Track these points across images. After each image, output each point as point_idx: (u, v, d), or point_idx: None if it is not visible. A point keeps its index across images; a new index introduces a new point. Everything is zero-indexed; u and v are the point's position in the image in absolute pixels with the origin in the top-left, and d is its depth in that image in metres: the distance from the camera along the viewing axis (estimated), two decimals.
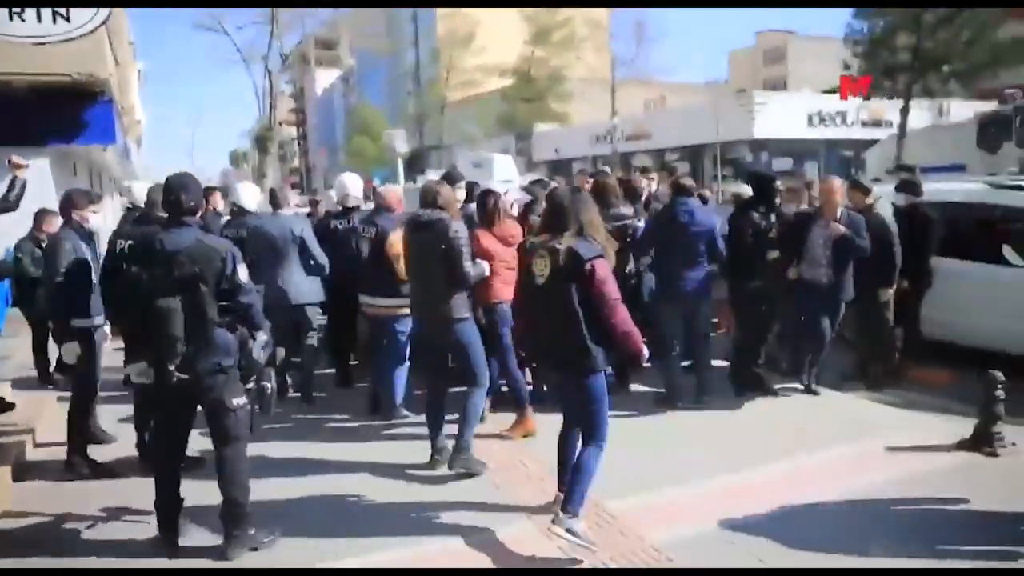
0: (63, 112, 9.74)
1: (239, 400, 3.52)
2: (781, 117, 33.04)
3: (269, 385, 3.67)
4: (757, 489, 4.21)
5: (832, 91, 33.09)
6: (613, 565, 3.44)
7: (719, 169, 29.98)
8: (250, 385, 3.62)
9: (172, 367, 3.34)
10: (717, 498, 4.10)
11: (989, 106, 18.14)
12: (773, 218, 5.89)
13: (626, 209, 6.01)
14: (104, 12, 5.29)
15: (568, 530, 3.42)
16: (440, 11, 43.59)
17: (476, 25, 39.93)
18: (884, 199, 6.60)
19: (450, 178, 6.19)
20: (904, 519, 3.83)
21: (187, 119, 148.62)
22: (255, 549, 3.57)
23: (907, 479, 4.30)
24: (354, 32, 37.02)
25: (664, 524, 3.80)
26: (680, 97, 47.03)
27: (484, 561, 3.49)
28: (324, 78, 75.90)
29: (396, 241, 5.04)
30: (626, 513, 3.91)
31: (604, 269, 3.50)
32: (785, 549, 3.51)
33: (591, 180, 6.49)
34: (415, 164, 39.21)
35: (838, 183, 5.89)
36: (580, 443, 3.72)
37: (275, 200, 6.33)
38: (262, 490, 3.88)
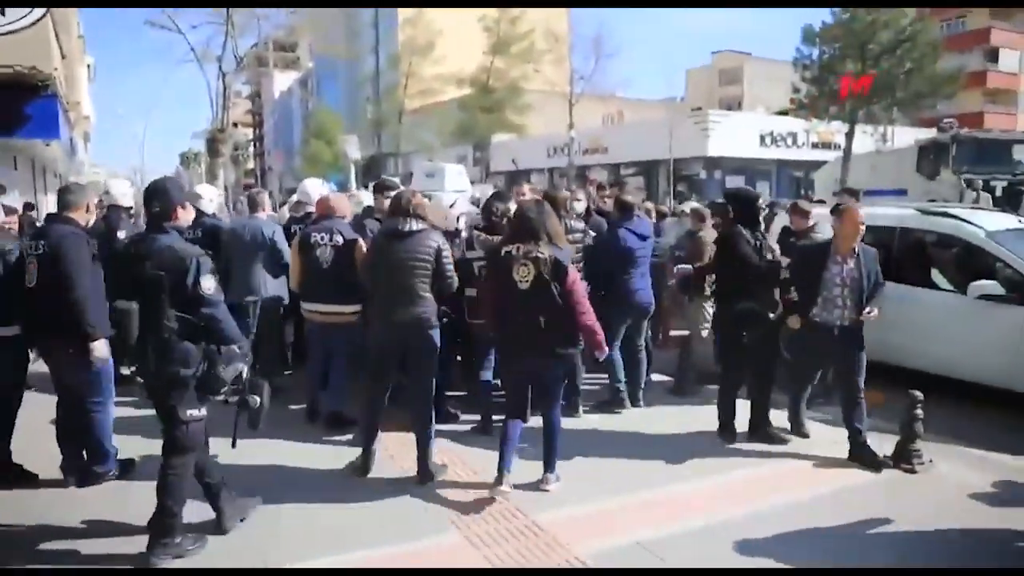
0: (5, 105, 9.44)
1: (193, 412, 3.48)
2: (735, 136, 33.87)
3: (257, 399, 3.60)
4: (689, 502, 4.30)
5: (784, 112, 34.07)
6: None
7: (673, 185, 30.50)
8: (232, 398, 3.60)
9: (131, 370, 3.50)
10: (649, 511, 4.17)
11: (929, 134, 18.85)
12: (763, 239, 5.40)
13: (578, 223, 6.03)
14: (39, 11, 5.16)
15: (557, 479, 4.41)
16: (401, 19, 43.49)
17: (437, 34, 39.92)
18: (823, 221, 6.83)
19: (381, 187, 6.25)
20: (827, 533, 3.93)
21: (138, 116, 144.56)
22: (180, 557, 3.51)
23: (832, 495, 4.44)
24: (314, 36, 36.60)
25: (592, 537, 3.83)
26: (637, 113, 47.78)
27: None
28: (282, 80, 75.05)
29: (363, 247, 5.20)
30: (554, 525, 3.94)
31: (575, 273, 4.26)
32: (715, 563, 3.58)
33: (532, 191, 6.58)
34: (371, 170, 38.96)
35: (861, 213, 5.10)
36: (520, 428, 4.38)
37: (253, 204, 6.52)
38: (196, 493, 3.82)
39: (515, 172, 37.43)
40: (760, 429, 5.40)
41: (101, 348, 4.06)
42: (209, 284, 3.46)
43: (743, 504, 4.26)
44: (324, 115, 48.44)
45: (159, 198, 3.58)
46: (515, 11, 37.67)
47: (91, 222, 4.43)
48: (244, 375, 3.64)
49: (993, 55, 51.67)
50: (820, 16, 27.40)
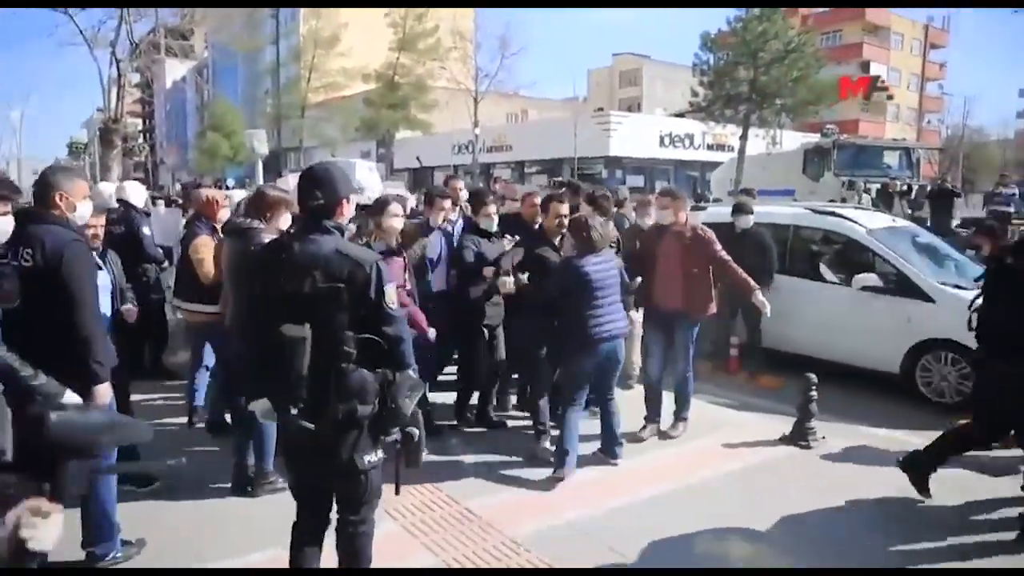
0: None
1: (371, 458, 2.79)
2: (635, 136, 35.04)
3: (417, 432, 2.92)
4: (609, 484, 4.57)
5: (680, 114, 35.51)
6: (479, 560, 3.63)
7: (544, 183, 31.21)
8: (394, 435, 2.87)
9: (295, 412, 2.65)
10: (571, 493, 4.41)
11: (813, 139, 20.19)
12: None
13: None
14: None
15: None
16: (304, 10, 42.36)
17: (342, 27, 39.12)
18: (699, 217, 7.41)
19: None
20: (734, 506, 4.29)
21: (15, 100, 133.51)
22: None
23: (739, 472, 4.83)
24: (211, 24, 35.00)
25: (522, 520, 4.03)
26: (540, 111, 48.54)
27: None
28: (175, 69, 71.44)
29: (200, 245, 4.99)
30: (485, 511, 4.12)
31: None
32: (637, 538, 3.83)
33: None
34: (271, 166, 37.79)
35: None
36: None
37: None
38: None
39: (419, 169, 37.27)
40: None
41: (105, 393, 3.19)
42: (393, 296, 2.79)
43: (662, 482, 4.57)
44: (222, 107, 46.50)
45: (323, 188, 2.77)
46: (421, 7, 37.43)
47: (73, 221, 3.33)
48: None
49: (865, 67, 55.68)
50: (718, 23, 28.98)
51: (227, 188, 15.44)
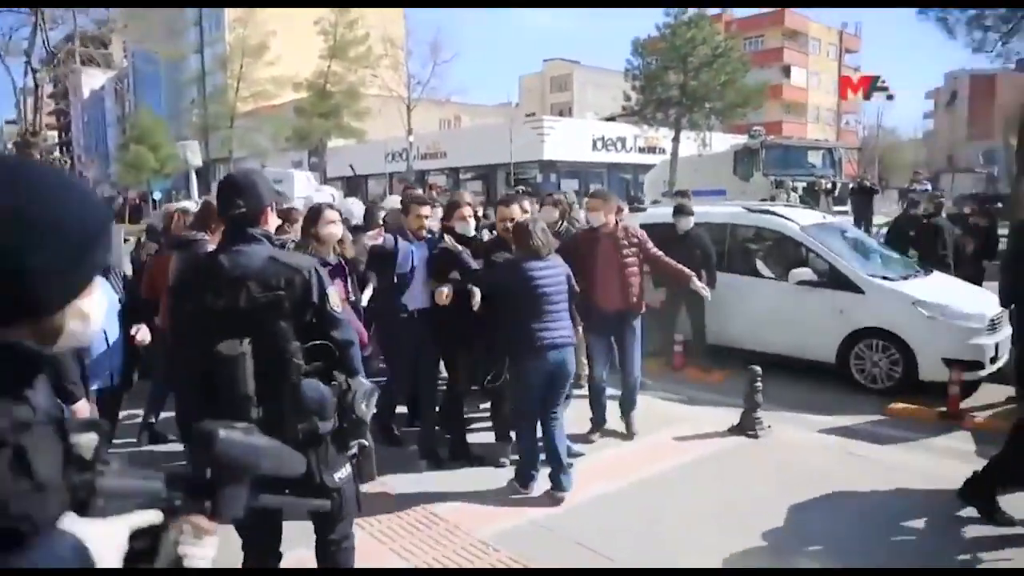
0: None
1: (341, 474, 2.62)
2: (568, 141, 35.49)
3: (368, 443, 2.71)
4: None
5: (611, 118, 36.16)
6: (449, 563, 3.66)
7: (511, 188, 31.38)
8: (352, 448, 2.68)
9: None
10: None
11: (742, 140, 20.91)
12: None
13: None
14: None
15: None
16: (230, 17, 41.34)
17: (269, 35, 38.36)
18: (638, 218, 7.56)
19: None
20: (690, 496, 4.43)
21: None
22: None
23: (691, 463, 4.98)
24: (131, 31, 33.73)
25: (486, 521, 4.08)
26: (473, 117, 48.71)
27: None
28: (94, 78, 68.63)
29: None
30: (451, 514, 4.15)
31: None
32: (598, 532, 3.93)
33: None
34: (201, 177, 36.76)
35: None
36: None
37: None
38: None
39: (353, 178, 36.87)
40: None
41: (84, 410, 3.19)
42: (337, 299, 2.66)
43: (617, 479, 4.68)
44: (146, 118, 44.75)
45: (244, 195, 2.58)
46: (352, 14, 37.03)
47: None
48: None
49: (787, 71, 57.96)
50: (647, 28, 29.73)
51: (154, 201, 15.04)
